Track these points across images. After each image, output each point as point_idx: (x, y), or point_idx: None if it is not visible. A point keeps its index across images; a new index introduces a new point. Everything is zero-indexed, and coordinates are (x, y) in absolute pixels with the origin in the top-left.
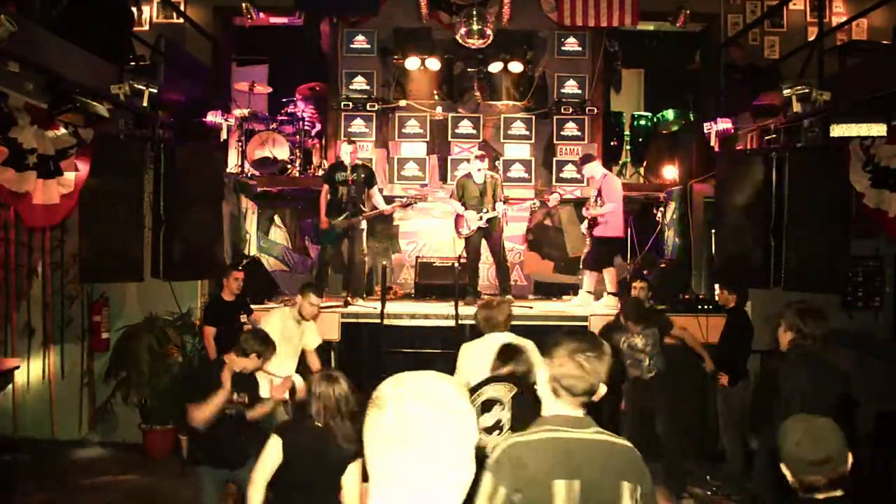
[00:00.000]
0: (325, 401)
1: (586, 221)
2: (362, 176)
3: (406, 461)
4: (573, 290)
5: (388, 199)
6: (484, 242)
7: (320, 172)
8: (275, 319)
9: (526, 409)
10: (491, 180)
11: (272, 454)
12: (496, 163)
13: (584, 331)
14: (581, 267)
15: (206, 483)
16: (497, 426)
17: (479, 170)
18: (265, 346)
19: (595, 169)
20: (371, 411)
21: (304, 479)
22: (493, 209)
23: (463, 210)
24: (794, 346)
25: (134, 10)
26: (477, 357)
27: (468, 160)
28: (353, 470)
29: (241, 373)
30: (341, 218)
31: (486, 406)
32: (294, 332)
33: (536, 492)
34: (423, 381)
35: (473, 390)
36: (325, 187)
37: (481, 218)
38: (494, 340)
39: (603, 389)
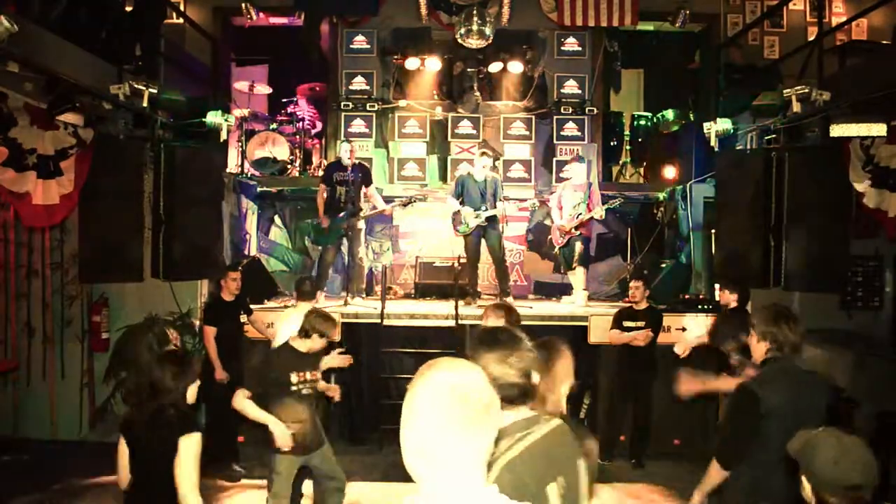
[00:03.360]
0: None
1: (577, 220)
2: (360, 175)
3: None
4: (572, 290)
5: (388, 199)
6: (483, 242)
7: (320, 172)
8: None
9: None
10: (491, 179)
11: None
12: (495, 163)
13: (503, 330)
14: (575, 266)
15: (283, 469)
16: None
17: (483, 166)
18: (328, 324)
19: (582, 171)
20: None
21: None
22: (494, 208)
23: (460, 207)
24: (771, 359)
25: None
26: None
27: (471, 160)
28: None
29: (306, 353)
30: (340, 217)
31: None
32: None
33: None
34: (451, 373)
35: None
36: (323, 187)
37: (478, 216)
38: None
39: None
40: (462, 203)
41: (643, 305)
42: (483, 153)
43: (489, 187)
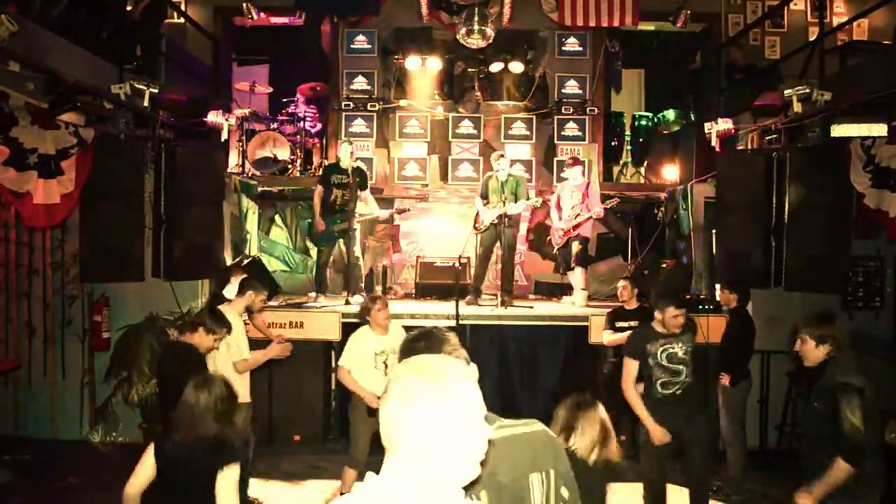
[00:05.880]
0: (188, 410)
1: (576, 221)
2: (357, 179)
3: (411, 432)
4: (572, 290)
5: (387, 201)
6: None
7: (321, 172)
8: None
9: None
10: (512, 179)
11: (149, 462)
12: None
13: (428, 332)
14: (573, 266)
15: None
16: None
17: (500, 169)
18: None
19: (580, 173)
20: (387, 386)
21: (176, 489)
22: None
23: (482, 207)
24: (831, 357)
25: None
26: None
27: (471, 160)
28: (226, 476)
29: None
30: (336, 220)
31: None
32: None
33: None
34: (427, 359)
35: None
36: (320, 188)
37: (491, 215)
38: None
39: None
40: (486, 202)
41: (633, 305)
42: (500, 155)
43: (508, 187)
